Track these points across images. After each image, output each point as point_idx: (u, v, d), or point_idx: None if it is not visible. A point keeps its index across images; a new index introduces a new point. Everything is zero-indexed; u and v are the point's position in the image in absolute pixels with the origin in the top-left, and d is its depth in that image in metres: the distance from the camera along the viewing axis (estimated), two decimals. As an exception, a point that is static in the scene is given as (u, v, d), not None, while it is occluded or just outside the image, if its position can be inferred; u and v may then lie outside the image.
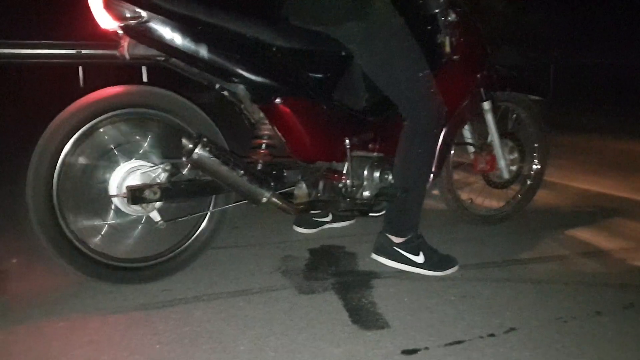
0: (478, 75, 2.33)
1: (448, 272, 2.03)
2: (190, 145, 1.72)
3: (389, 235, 2.06)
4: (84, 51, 6.53)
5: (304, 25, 1.97)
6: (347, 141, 2.00)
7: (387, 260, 2.06)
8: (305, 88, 1.96)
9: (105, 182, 1.82)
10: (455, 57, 2.21)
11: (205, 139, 1.74)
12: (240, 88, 1.88)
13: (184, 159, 1.75)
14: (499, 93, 2.46)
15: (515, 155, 2.59)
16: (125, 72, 6.46)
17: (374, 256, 2.10)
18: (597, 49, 9.81)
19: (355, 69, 2.03)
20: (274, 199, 1.87)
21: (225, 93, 1.96)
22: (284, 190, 1.98)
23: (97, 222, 1.86)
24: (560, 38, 10.20)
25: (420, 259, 2.02)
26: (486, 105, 2.39)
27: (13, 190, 3.07)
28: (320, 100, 2.00)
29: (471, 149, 2.53)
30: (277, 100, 1.90)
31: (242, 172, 1.79)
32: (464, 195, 2.62)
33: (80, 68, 7.17)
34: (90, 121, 1.72)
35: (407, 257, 2.03)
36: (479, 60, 2.33)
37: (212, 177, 1.81)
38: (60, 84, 7.65)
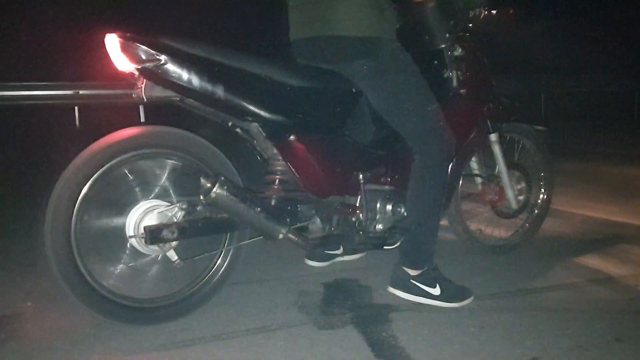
0: (485, 108, 2.37)
1: (464, 303, 2.03)
2: (209, 185, 1.74)
3: (405, 269, 2.06)
4: (81, 91, 6.63)
5: (312, 64, 2.01)
6: (359, 175, 2.02)
7: (404, 293, 2.06)
8: (317, 124, 1.99)
9: (122, 223, 1.82)
10: (462, 91, 2.26)
11: (222, 178, 1.76)
12: (254, 125, 1.91)
13: (202, 197, 1.76)
14: (504, 124, 2.50)
15: (523, 185, 2.62)
16: (121, 111, 6.47)
17: (391, 289, 2.10)
18: (587, 77, 9.97)
19: (365, 104, 2.07)
20: (291, 235, 1.88)
21: (238, 130, 1.99)
22: (299, 225, 1.99)
23: (115, 263, 1.85)
24: (550, 66, 10.38)
25: (436, 291, 2.02)
26: (493, 137, 2.43)
27: (18, 230, 3.06)
28: (332, 136, 2.03)
29: (479, 180, 2.56)
30: (291, 137, 1.93)
31: (258, 209, 1.81)
32: (474, 226, 2.64)
33: (76, 108, 7.18)
34: (109, 162, 1.73)
35: (424, 290, 2.03)
36: (485, 93, 2.38)
37: (229, 214, 1.82)
38: (55, 125, 7.64)
